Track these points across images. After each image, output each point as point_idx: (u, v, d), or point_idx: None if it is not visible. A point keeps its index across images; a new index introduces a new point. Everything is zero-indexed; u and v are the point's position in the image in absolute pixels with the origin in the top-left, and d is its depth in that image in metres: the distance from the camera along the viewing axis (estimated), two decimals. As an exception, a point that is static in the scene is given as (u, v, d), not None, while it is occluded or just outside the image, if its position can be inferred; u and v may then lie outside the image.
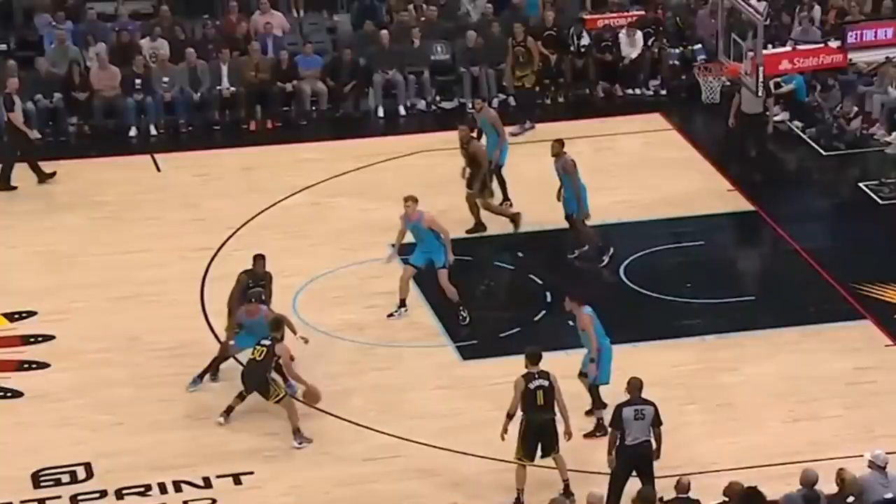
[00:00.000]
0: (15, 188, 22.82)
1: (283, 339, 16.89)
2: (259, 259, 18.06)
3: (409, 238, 19.26)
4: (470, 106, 25.63)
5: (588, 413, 16.73)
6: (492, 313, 19.28)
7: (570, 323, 17.07)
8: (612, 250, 20.40)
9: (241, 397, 16.94)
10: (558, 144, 20.33)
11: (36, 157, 23.04)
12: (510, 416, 15.42)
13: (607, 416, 15.89)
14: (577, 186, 20.14)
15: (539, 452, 15.51)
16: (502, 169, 21.74)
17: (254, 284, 17.81)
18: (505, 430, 15.46)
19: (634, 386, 15.20)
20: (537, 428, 15.39)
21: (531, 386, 15.34)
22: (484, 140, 21.71)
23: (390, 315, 19.07)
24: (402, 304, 19.09)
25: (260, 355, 16.74)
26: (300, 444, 16.62)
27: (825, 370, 18.03)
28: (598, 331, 16.60)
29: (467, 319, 18.84)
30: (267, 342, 16.78)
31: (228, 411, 16.91)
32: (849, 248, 20.93)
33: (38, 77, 24.89)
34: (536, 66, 24.96)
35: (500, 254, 20.78)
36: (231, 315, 17.71)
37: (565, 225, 20.71)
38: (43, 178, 22.94)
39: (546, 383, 15.38)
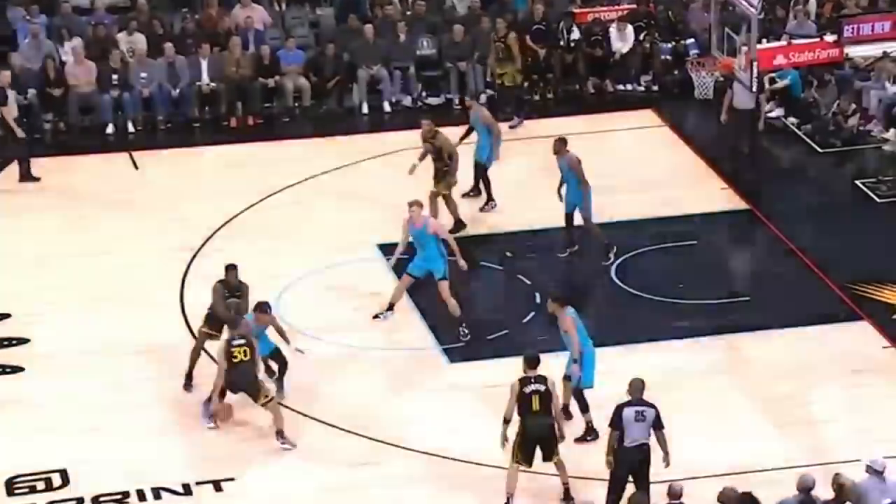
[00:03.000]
0: (38, 179, 22.72)
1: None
2: (231, 269, 17.91)
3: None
4: (457, 102, 25.75)
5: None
6: (479, 315, 19.30)
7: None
8: (615, 248, 20.42)
9: (222, 395, 16.94)
10: (560, 142, 20.33)
11: (25, 155, 22.92)
12: (507, 422, 15.42)
13: (596, 418, 15.95)
14: (584, 182, 20.13)
15: (539, 457, 15.52)
16: (488, 169, 21.79)
17: (229, 296, 17.77)
18: (504, 437, 15.47)
19: (636, 387, 15.22)
20: (535, 434, 15.41)
21: (526, 390, 15.36)
22: (474, 138, 21.79)
23: (376, 316, 19.09)
24: (391, 307, 19.08)
25: (245, 355, 16.70)
26: (283, 444, 16.65)
27: (821, 372, 18.09)
28: (580, 332, 16.63)
29: (468, 337, 18.73)
30: (242, 341, 16.77)
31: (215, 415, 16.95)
32: (845, 248, 20.99)
33: (12, 72, 24.81)
34: (518, 63, 24.88)
35: (488, 254, 20.81)
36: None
37: (553, 224, 20.77)
38: (27, 178, 22.85)
39: (542, 388, 15.40)
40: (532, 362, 15.52)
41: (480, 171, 21.81)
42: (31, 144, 23.41)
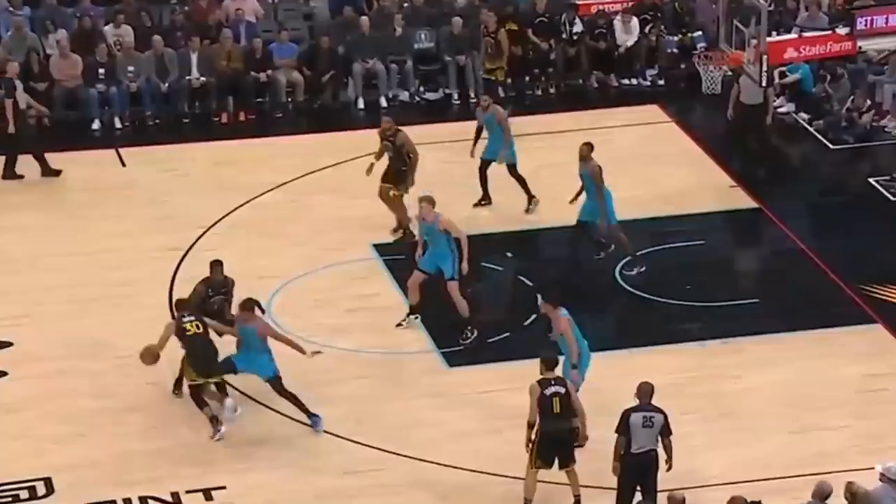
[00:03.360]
0: (22, 177, 22.82)
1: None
2: (216, 265, 17.95)
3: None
4: (456, 97, 25.73)
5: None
6: (480, 318, 19.26)
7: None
8: (643, 266, 20.21)
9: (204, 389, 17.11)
10: (587, 147, 20.05)
11: (16, 151, 22.97)
12: (532, 426, 15.33)
13: (603, 424, 15.92)
14: (601, 194, 19.89)
15: (561, 461, 15.51)
16: (517, 167, 21.68)
17: (213, 293, 17.76)
18: (529, 441, 15.39)
19: (645, 391, 15.16)
20: (554, 438, 15.36)
21: (547, 392, 15.31)
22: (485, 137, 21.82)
23: (399, 325, 18.97)
24: (412, 311, 18.95)
25: (197, 328, 16.91)
26: (235, 413, 16.86)
27: (833, 377, 18.07)
28: (576, 334, 16.57)
29: (469, 340, 18.62)
30: (190, 317, 16.95)
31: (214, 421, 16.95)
32: (858, 248, 20.97)
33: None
34: (506, 60, 24.71)
35: (488, 254, 20.77)
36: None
37: (556, 224, 20.74)
38: (9, 175, 22.83)
39: (562, 390, 15.39)
40: (550, 363, 15.50)
41: (512, 171, 21.69)
42: (23, 141, 23.35)
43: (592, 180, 19.96)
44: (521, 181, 21.76)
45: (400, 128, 20.86)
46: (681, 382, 17.79)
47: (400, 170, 20.66)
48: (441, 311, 18.93)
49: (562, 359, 16.56)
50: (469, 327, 18.64)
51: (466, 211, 21.65)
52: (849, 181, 23.45)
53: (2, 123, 22.88)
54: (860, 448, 16.58)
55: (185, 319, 16.96)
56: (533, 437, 15.37)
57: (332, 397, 17.65)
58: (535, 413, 15.27)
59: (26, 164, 22.95)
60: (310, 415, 17.05)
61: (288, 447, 16.79)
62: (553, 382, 15.38)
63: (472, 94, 25.57)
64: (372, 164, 20.88)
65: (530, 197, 21.78)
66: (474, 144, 21.75)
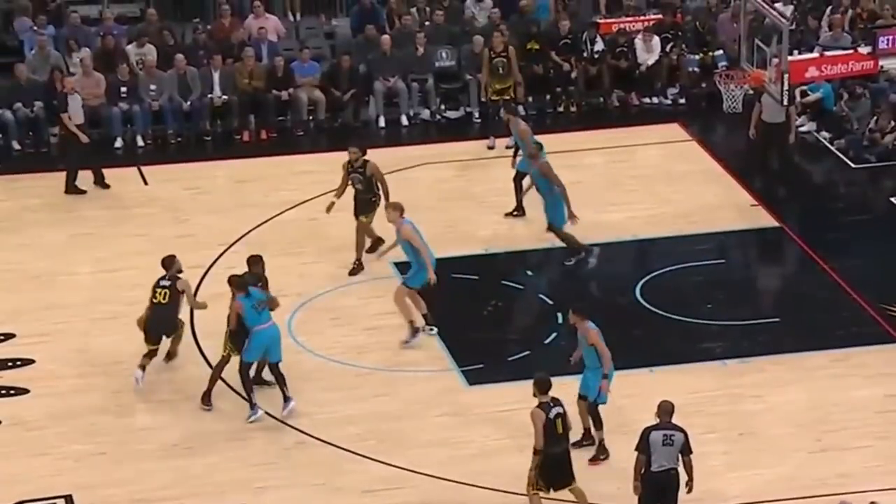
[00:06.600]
0: (84, 192, 23.00)
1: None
2: (256, 260, 18.35)
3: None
4: (476, 115, 25.73)
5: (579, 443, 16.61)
6: (500, 336, 19.24)
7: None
8: (595, 250, 20.61)
9: (150, 355, 17.82)
10: (535, 147, 20.66)
11: (89, 164, 23.13)
12: (538, 453, 15.28)
13: (619, 441, 15.88)
14: (560, 189, 20.31)
15: (559, 483, 15.45)
16: (521, 176, 21.78)
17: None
18: (537, 468, 15.34)
19: (665, 410, 15.12)
20: (558, 458, 15.32)
21: (551, 416, 15.27)
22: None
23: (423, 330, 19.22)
24: (425, 320, 19.10)
25: (164, 298, 17.65)
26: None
27: (854, 397, 17.99)
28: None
29: (410, 334, 18.86)
30: (167, 283, 17.70)
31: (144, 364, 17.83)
32: (879, 267, 20.88)
33: (18, 84, 24.90)
34: (516, 78, 24.63)
35: (509, 273, 20.76)
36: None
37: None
38: (71, 189, 22.97)
39: (561, 410, 15.39)
40: (545, 386, 15.40)
41: (517, 177, 21.85)
42: (100, 152, 23.63)
43: (545, 177, 20.33)
44: (518, 190, 21.81)
45: (367, 158, 20.61)
46: (701, 401, 17.74)
47: (369, 200, 20.50)
48: (461, 330, 18.91)
49: (580, 376, 16.56)
50: (422, 329, 18.88)
51: (485, 229, 21.68)
52: (870, 200, 23.39)
53: (60, 139, 23.23)
54: (882, 468, 16.50)
55: (161, 285, 17.77)
56: (515, 456, 15.35)
57: (351, 416, 17.64)
58: (542, 439, 15.20)
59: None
60: (286, 398, 17.46)
61: (307, 466, 16.78)
62: (552, 404, 15.33)
63: (478, 116, 25.61)
64: (332, 203, 20.61)
65: (518, 208, 21.88)
66: (513, 162, 22.02)
